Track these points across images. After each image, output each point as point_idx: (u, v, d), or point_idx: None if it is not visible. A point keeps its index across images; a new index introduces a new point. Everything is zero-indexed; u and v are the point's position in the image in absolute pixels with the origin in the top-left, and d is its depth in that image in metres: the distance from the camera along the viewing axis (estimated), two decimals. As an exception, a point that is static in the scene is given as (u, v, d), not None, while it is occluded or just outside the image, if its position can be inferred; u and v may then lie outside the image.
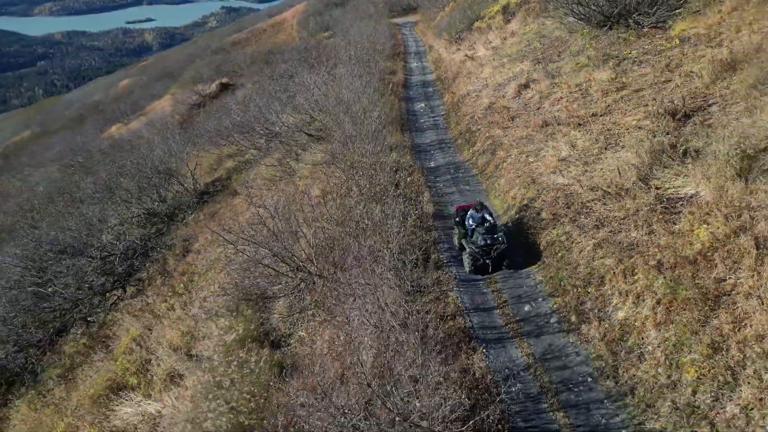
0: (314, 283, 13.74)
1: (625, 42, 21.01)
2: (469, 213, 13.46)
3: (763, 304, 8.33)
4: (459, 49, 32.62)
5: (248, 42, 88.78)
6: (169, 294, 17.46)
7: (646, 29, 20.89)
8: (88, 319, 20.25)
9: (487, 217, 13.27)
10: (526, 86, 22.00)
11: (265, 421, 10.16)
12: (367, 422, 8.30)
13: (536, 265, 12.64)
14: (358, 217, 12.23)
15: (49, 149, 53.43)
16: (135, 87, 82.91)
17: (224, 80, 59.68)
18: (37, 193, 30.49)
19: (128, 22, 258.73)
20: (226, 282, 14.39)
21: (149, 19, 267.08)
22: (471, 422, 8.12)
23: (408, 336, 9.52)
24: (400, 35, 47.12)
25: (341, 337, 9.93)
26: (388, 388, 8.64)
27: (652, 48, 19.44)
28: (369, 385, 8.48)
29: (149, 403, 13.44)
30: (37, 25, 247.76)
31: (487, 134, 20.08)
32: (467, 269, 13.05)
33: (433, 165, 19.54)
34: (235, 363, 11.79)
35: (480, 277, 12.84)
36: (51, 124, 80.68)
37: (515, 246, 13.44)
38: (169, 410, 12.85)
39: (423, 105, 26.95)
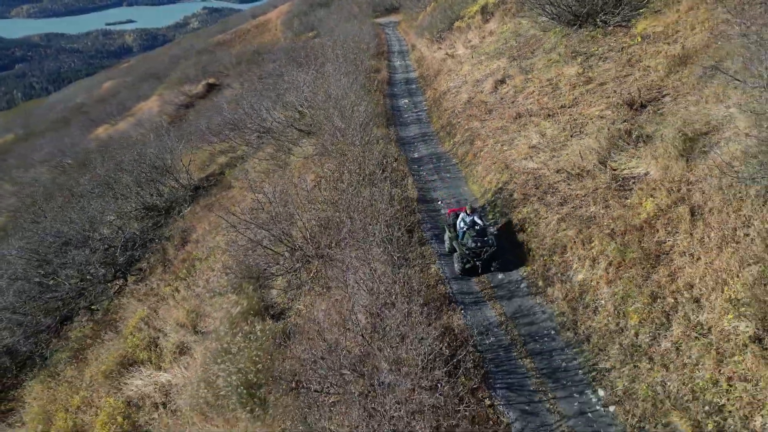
0: (309, 262, 15.13)
1: (593, 39, 22.60)
2: (460, 216, 13.69)
3: (693, 259, 9.90)
4: (440, 48, 34.11)
5: (233, 42, 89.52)
6: (172, 279, 18.65)
7: (611, 28, 22.49)
8: (92, 307, 21.33)
9: (478, 220, 13.49)
10: (502, 82, 23.54)
11: (272, 377, 11.50)
12: (364, 369, 9.70)
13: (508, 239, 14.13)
14: (350, 197, 13.58)
15: (36, 151, 53.83)
16: (120, 88, 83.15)
17: (211, 80, 60.58)
18: (38, 189, 31.32)
19: (108, 24, 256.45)
20: (229, 263, 15.63)
21: (129, 21, 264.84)
22: (447, 368, 9.56)
23: (396, 299, 10.93)
24: (384, 35, 48.49)
25: (339, 300, 11.28)
26: (381, 343, 10.04)
27: (616, 45, 21.05)
28: (363, 336, 9.87)
29: (160, 374, 14.69)
30: (14, 28, 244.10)
31: (466, 126, 21.57)
32: (457, 270, 13.25)
33: (416, 156, 20.99)
34: (240, 333, 13.10)
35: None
36: (35, 127, 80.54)
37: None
38: (179, 379, 14.13)
39: (407, 101, 28.40)
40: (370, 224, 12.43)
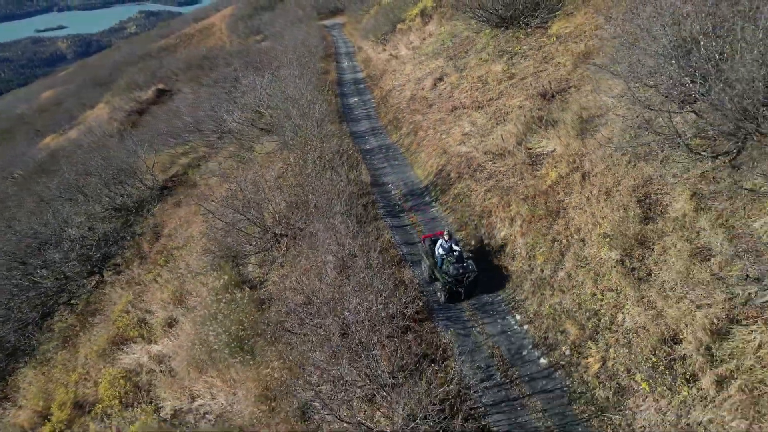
0: (279, 241, 17.49)
1: (517, 40, 25.83)
2: (438, 243, 13.59)
3: (581, 211, 12.96)
4: (385, 49, 36.83)
5: (177, 47, 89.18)
6: (152, 267, 20.49)
7: (532, 29, 25.80)
8: (71, 302, 22.79)
9: (455, 246, 13.45)
10: (440, 79, 26.48)
11: (256, 332, 13.83)
12: (335, 318, 12.19)
13: (447, 211, 16.96)
14: (314, 180, 16.02)
15: (-19, 163, 52.93)
16: (62, 97, 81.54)
17: (161, 86, 61.01)
18: (7, 194, 31.94)
19: (38, 31, 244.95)
20: (208, 245, 17.73)
21: (61, 27, 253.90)
22: (400, 307, 12.20)
23: (357, 260, 13.49)
24: (330, 37, 50.76)
25: (312, 260, 13.72)
26: (348, 287, 12.56)
27: (536, 44, 24.32)
28: (335, 290, 12.37)
29: (152, 346, 16.67)
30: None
31: (410, 120, 24.37)
32: (442, 299, 13.23)
33: (368, 147, 23.61)
34: (224, 301, 15.32)
35: (407, 222, 17.01)
36: (-27, 139, 77.86)
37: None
38: (171, 348, 16.17)
39: (356, 99, 30.95)
40: (332, 200, 14.92)
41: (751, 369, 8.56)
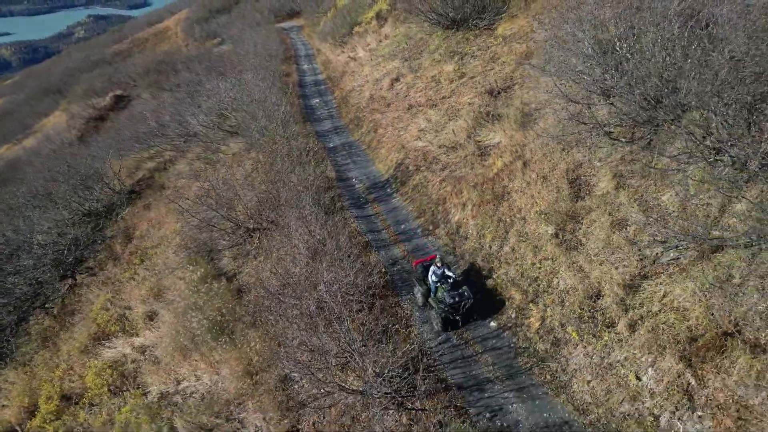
0: (251, 236, 18.68)
1: (467, 41, 27.65)
2: (431, 270, 13.33)
3: (522, 194, 14.74)
4: (343, 52, 38.20)
5: (131, 52, 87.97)
6: (127, 267, 21.27)
7: (480, 30, 27.67)
8: (46, 306, 23.26)
9: (448, 272, 13.18)
10: (396, 80, 28.08)
11: (235, 317, 15.03)
12: (310, 293, 13.55)
13: (407, 200, 18.54)
14: (284, 176, 17.29)
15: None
16: (13, 106, 79.37)
17: (118, 92, 60.53)
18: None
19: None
20: (183, 242, 18.74)
21: (5, 33, 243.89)
22: (367, 284, 13.67)
23: (327, 245, 14.88)
24: (289, 39, 51.71)
25: (285, 247, 15.02)
26: (321, 266, 13.94)
27: (483, 45, 26.18)
28: (309, 272, 13.73)
29: (134, 339, 17.59)
30: None
31: (370, 119, 25.86)
32: (438, 328, 12.89)
33: (332, 145, 24.97)
34: (203, 290, 16.44)
35: (371, 212, 18.49)
36: None
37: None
38: (152, 339, 17.14)
39: (318, 100, 32.23)
40: (301, 193, 16.25)
41: (656, 314, 10.43)
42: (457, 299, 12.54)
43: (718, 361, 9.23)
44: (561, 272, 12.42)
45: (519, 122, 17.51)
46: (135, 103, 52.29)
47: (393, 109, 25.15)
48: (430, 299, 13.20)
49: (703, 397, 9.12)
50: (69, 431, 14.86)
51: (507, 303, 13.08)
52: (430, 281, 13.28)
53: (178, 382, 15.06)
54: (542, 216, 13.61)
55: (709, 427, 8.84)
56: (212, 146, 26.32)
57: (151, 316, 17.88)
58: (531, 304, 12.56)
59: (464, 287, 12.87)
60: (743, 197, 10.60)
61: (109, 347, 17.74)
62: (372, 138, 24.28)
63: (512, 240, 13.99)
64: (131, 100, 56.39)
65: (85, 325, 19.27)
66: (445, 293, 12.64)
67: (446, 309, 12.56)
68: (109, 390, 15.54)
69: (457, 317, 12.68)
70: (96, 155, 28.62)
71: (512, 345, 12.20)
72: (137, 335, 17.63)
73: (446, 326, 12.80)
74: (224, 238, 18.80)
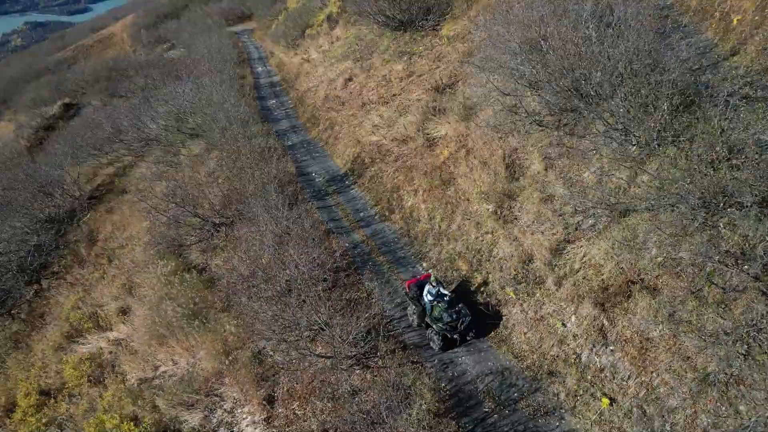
0: (218, 230, 19.74)
1: (414, 41, 29.33)
2: (426, 289, 13.37)
3: (466, 178, 16.49)
4: (297, 54, 39.32)
5: (76, 59, 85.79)
6: (95, 268, 21.86)
7: (426, 31, 29.41)
8: (12, 312, 23.51)
9: (443, 290, 13.21)
10: (350, 80, 29.51)
11: (207, 304, 16.12)
12: (279, 278, 14.82)
13: (364, 191, 20.03)
14: (249, 171, 18.45)
15: None
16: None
17: (67, 100, 59.37)
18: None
19: None
20: (154, 238, 19.59)
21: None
22: (330, 267, 15.08)
23: (292, 231, 16.17)
24: (241, 43, 52.28)
25: (253, 235, 16.22)
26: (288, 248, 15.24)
27: (430, 45, 27.91)
28: (277, 256, 15.00)
29: (109, 334, 18.35)
30: None
31: (326, 117, 27.21)
32: (436, 348, 12.83)
33: (290, 143, 26.19)
34: (176, 282, 17.41)
35: (332, 203, 19.87)
36: None
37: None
38: (126, 332, 17.97)
39: (274, 101, 33.29)
40: (266, 185, 17.48)
41: (577, 270, 12.30)
42: (455, 317, 12.62)
43: (625, 304, 11.14)
44: (500, 243, 14.20)
45: (462, 115, 19.27)
46: (85, 111, 51.67)
47: (347, 107, 26.58)
48: (426, 319, 13.22)
49: (614, 335, 11.01)
50: (52, 421, 15.56)
51: (455, 274, 14.75)
52: (426, 300, 13.30)
53: (156, 368, 16.02)
54: (483, 196, 15.37)
55: (619, 358, 10.72)
56: (173, 149, 27.03)
57: (125, 311, 18.66)
58: (475, 273, 14.28)
59: (461, 305, 12.92)
60: (645, 170, 12.62)
61: (83, 344, 18.42)
62: (329, 135, 25.65)
63: (458, 219, 15.70)
64: (81, 107, 55.57)
65: (58, 324, 19.82)
66: (443, 312, 12.68)
67: (445, 328, 12.60)
68: (89, 380, 16.32)
69: (455, 336, 12.70)
70: (52, 163, 28.73)
71: (461, 309, 13.84)
72: (111, 330, 18.39)
73: (445, 345, 12.77)
74: (192, 234, 19.76)
